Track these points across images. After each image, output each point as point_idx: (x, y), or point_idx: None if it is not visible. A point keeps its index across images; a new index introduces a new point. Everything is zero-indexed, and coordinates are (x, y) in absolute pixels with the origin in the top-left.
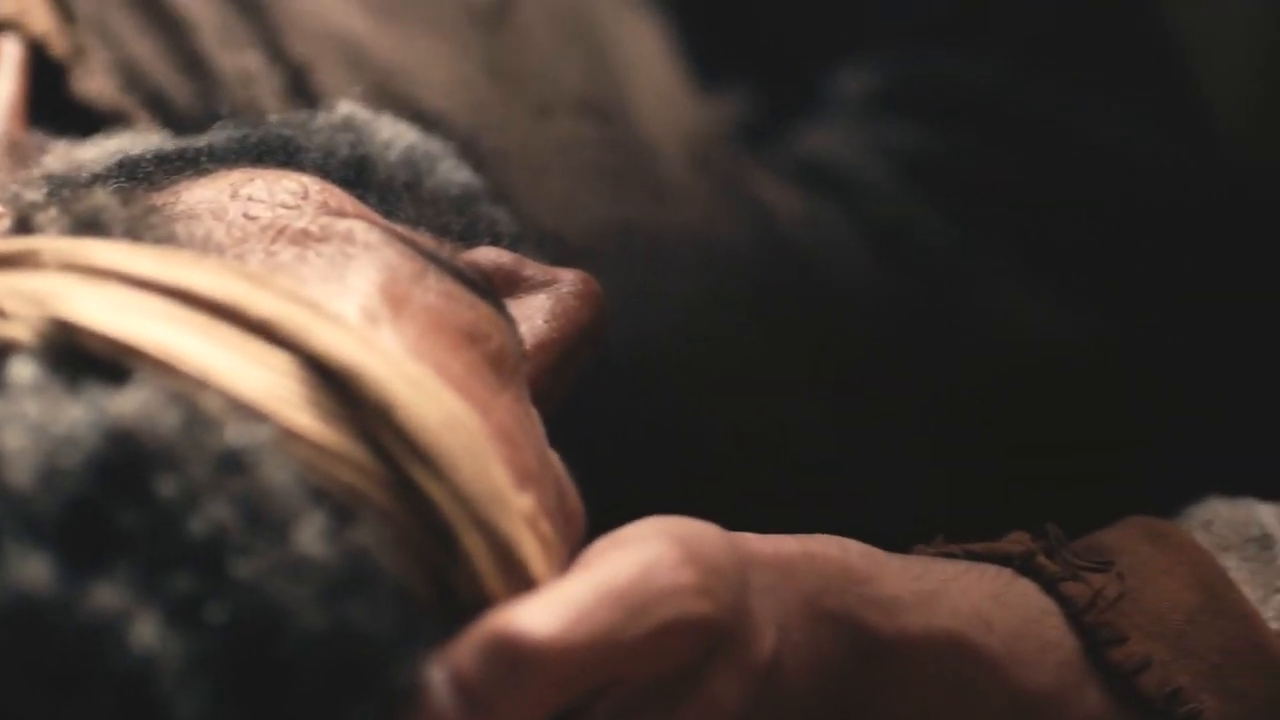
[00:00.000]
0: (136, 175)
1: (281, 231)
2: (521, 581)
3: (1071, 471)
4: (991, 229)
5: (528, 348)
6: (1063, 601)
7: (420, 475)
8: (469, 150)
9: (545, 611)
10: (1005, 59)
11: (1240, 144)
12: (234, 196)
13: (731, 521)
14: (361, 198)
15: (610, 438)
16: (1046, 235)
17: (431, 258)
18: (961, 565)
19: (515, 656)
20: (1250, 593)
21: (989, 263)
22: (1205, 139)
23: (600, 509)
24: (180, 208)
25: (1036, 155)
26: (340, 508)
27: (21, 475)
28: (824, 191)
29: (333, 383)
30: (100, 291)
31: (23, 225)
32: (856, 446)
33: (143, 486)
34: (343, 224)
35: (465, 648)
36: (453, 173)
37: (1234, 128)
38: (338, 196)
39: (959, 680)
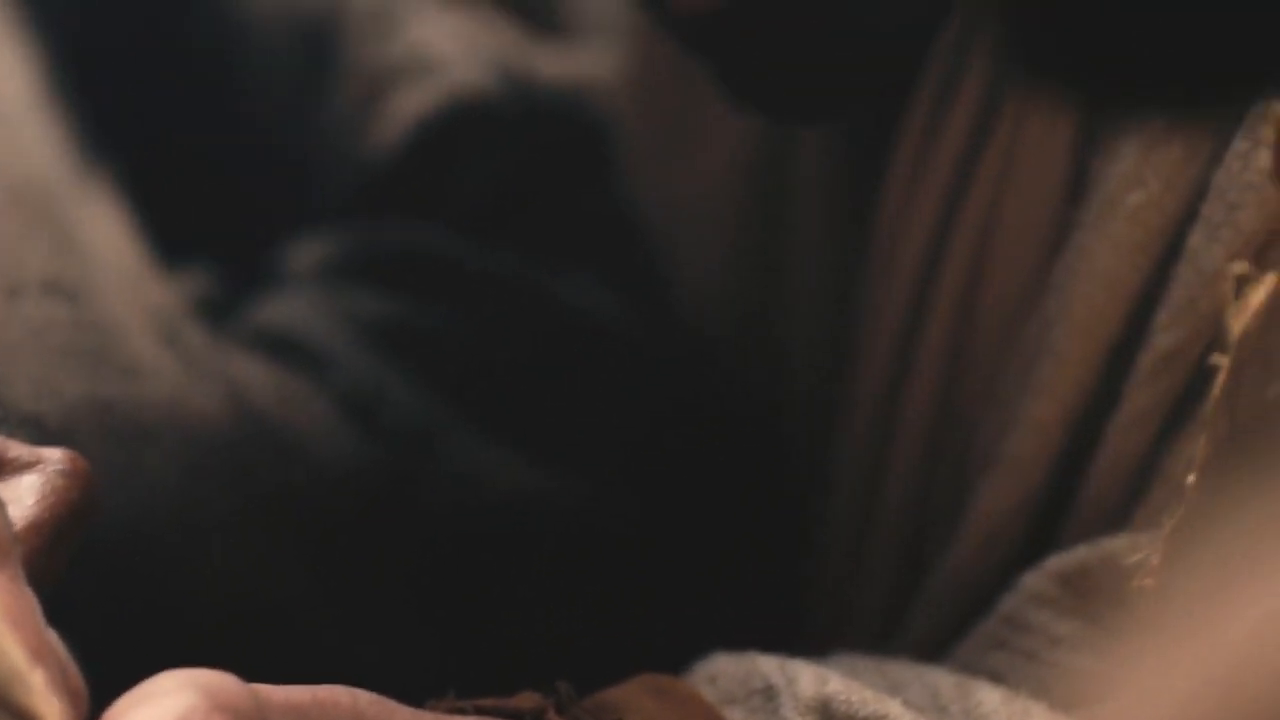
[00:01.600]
0: None
1: None
2: None
3: (580, 629)
4: (458, 392)
5: (18, 529)
6: None
7: None
8: None
9: None
10: (462, 226)
11: (701, 316)
12: None
13: None
14: None
15: (108, 615)
16: (513, 397)
17: None
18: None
19: None
20: None
21: (458, 425)
22: (664, 307)
23: (104, 684)
24: None
25: (497, 318)
26: None
27: None
28: (292, 363)
29: None
30: None
31: None
32: (348, 614)
33: None
34: None
35: None
36: None
37: (696, 300)
38: None
39: None
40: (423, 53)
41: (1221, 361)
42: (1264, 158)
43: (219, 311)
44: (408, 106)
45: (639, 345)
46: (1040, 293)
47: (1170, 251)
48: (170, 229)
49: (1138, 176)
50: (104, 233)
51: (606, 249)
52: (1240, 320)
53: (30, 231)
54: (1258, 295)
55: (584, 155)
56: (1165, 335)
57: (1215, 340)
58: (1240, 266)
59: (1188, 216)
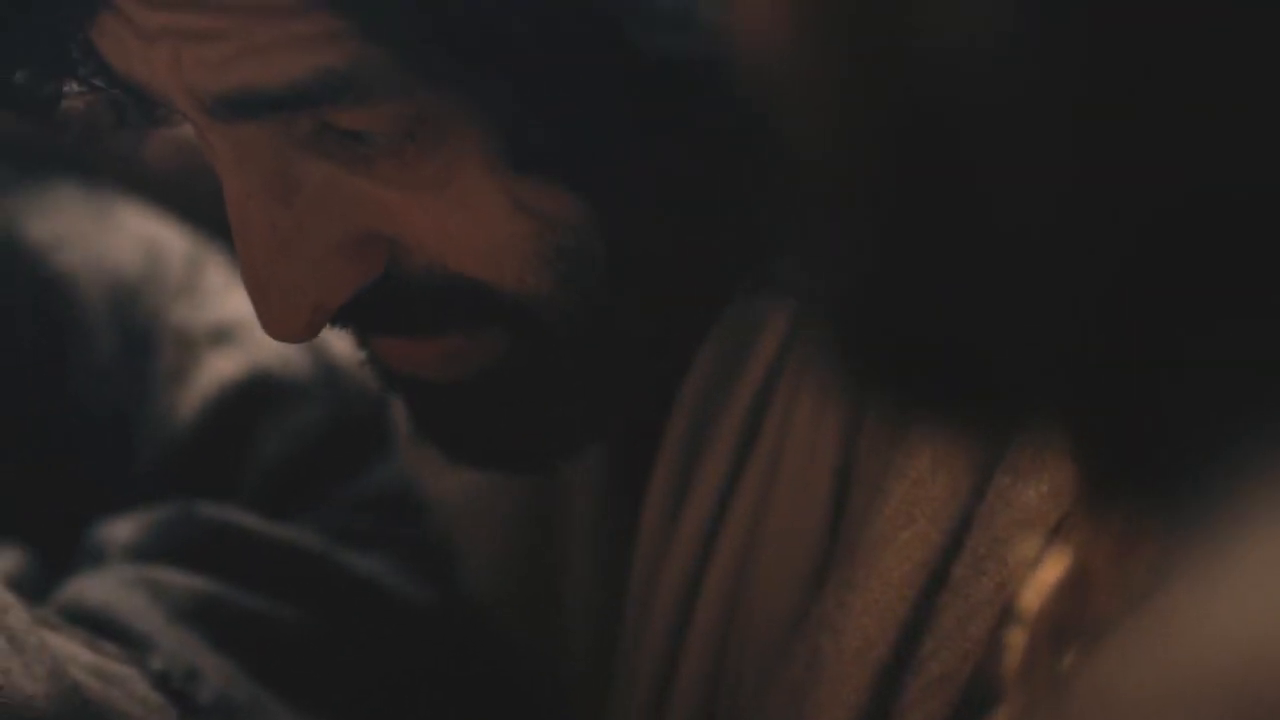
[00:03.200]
0: None
1: None
2: None
3: None
4: (269, 666)
5: None
6: None
7: None
8: None
9: None
10: (262, 497)
11: (483, 591)
12: None
13: None
14: None
15: None
16: (319, 669)
17: None
18: None
19: None
20: None
21: (270, 700)
22: (447, 581)
23: None
24: None
25: (299, 592)
26: None
27: None
28: (109, 641)
29: None
30: None
31: None
32: None
33: None
34: None
35: None
36: None
37: (477, 576)
38: None
39: None
40: (229, 322)
41: (1017, 638)
42: (1028, 493)
43: (33, 590)
44: (213, 375)
45: (426, 617)
46: (805, 620)
47: (936, 581)
48: None
49: (907, 515)
50: None
51: (394, 522)
52: (1035, 597)
53: None
54: (1051, 572)
55: (374, 429)
56: (934, 662)
57: (1006, 616)
58: (1033, 546)
59: (953, 547)
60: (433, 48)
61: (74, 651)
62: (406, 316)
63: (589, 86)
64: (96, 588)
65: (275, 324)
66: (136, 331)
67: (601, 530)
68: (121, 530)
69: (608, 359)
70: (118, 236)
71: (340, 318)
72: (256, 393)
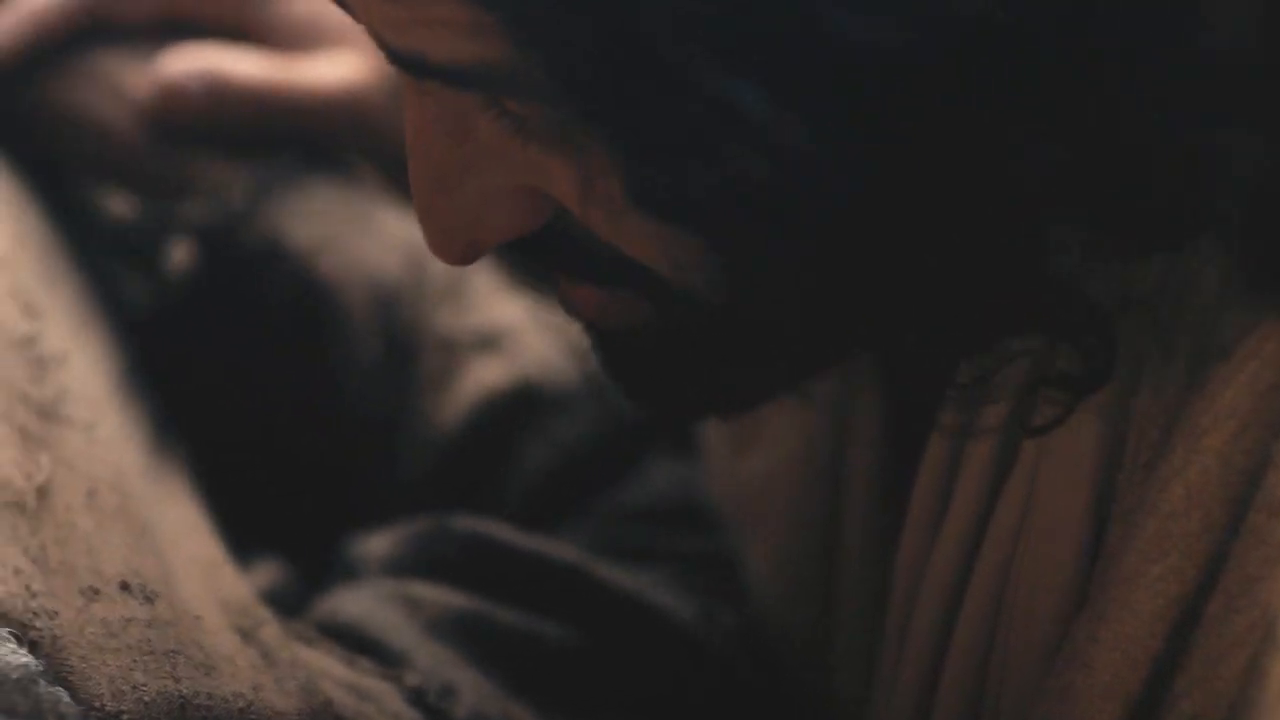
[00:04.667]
0: None
1: None
2: None
3: None
4: (530, 685)
5: None
6: None
7: None
8: (25, 635)
9: None
10: (524, 509)
11: (762, 606)
12: None
13: None
14: None
15: None
16: (581, 688)
17: None
18: None
19: None
20: None
21: (529, 713)
22: (731, 600)
23: None
24: None
25: (562, 609)
26: None
27: None
28: (363, 654)
29: None
30: None
31: None
32: None
33: None
34: None
35: None
36: (11, 655)
37: (759, 589)
38: None
39: None
40: (495, 329)
41: (1278, 665)
42: None
43: (290, 604)
44: (477, 382)
45: (691, 633)
46: (1058, 654)
47: (1189, 618)
48: (244, 522)
49: (1160, 549)
50: (180, 526)
51: (666, 534)
52: None
53: (108, 531)
54: None
55: (640, 440)
56: (1186, 701)
57: (1266, 643)
58: None
59: (1207, 584)
60: (572, 66)
61: (329, 667)
62: (568, 261)
63: (718, 159)
64: (353, 602)
65: (435, 248)
66: (398, 337)
67: (874, 541)
68: (378, 544)
69: (754, 347)
70: (378, 241)
71: (508, 247)
72: (521, 402)
